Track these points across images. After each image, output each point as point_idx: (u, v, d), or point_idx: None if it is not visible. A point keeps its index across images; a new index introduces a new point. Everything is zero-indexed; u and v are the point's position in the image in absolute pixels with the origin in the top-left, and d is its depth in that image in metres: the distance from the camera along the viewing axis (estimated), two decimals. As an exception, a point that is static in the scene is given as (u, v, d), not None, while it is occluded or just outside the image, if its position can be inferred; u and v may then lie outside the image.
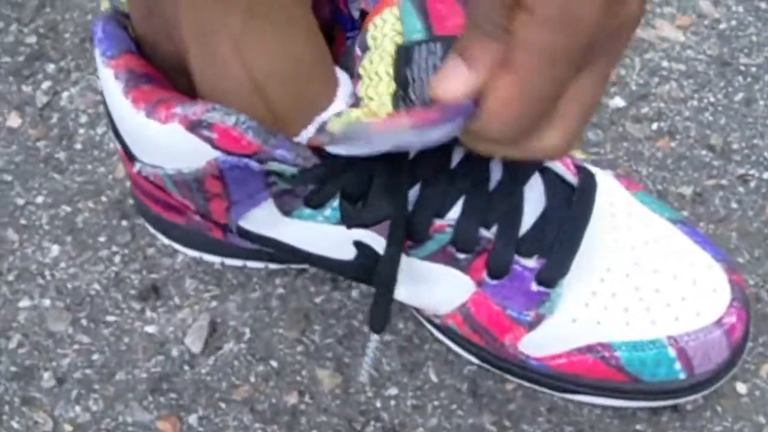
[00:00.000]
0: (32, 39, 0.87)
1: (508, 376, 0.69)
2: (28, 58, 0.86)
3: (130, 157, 0.62)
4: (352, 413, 0.69)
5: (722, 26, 0.88)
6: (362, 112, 0.54)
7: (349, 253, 0.63)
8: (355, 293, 0.73)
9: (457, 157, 0.61)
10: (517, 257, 0.62)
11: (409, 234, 0.60)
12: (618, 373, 0.65)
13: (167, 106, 0.55)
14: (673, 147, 0.80)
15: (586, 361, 0.65)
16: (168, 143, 0.56)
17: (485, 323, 0.64)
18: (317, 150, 0.56)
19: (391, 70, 0.56)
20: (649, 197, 0.69)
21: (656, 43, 0.86)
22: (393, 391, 0.70)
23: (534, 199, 0.63)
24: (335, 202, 0.60)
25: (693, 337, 0.64)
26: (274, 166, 0.55)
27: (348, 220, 0.58)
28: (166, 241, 0.73)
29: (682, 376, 0.65)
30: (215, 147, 0.55)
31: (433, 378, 0.71)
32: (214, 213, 0.62)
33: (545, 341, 0.65)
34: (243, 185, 0.58)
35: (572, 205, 0.63)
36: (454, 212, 0.61)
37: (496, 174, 0.62)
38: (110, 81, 0.58)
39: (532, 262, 0.62)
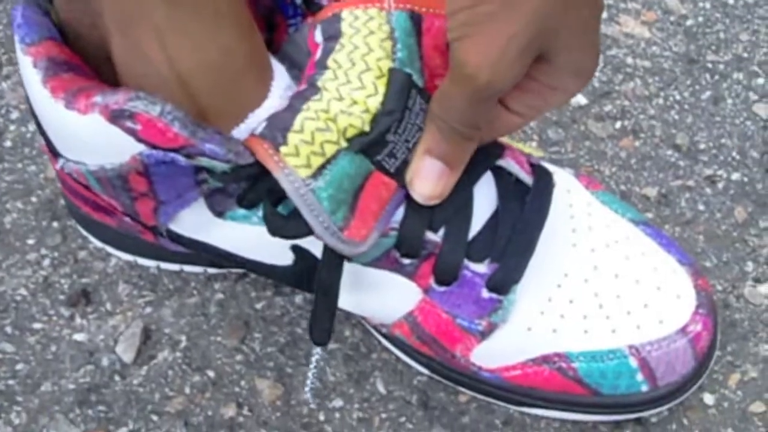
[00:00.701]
0: None
1: (461, 388, 0.65)
2: None
3: (54, 153, 0.58)
4: (294, 427, 0.65)
5: (689, 22, 0.85)
6: (322, 113, 0.51)
7: (287, 259, 0.59)
8: (298, 299, 0.70)
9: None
10: (466, 262, 0.59)
11: None
12: (576, 386, 0.61)
13: (87, 95, 0.51)
14: (638, 146, 0.77)
15: (542, 373, 0.61)
16: (88, 136, 0.52)
17: (434, 333, 0.61)
18: None
19: (378, 85, 0.52)
20: (611, 197, 0.66)
21: (620, 40, 0.84)
22: (338, 402, 0.66)
23: (485, 199, 0.60)
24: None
25: (656, 346, 0.61)
26: (203, 161, 0.51)
27: (272, 229, 0.54)
28: (98, 244, 0.69)
29: (644, 388, 0.62)
30: (139, 140, 0.51)
31: (381, 389, 0.67)
32: (142, 214, 0.58)
33: (498, 352, 0.61)
34: (171, 183, 0.54)
35: (526, 206, 0.60)
36: (398, 214, 0.57)
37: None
38: (29, 69, 0.54)
39: (482, 267, 0.59)
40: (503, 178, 0.60)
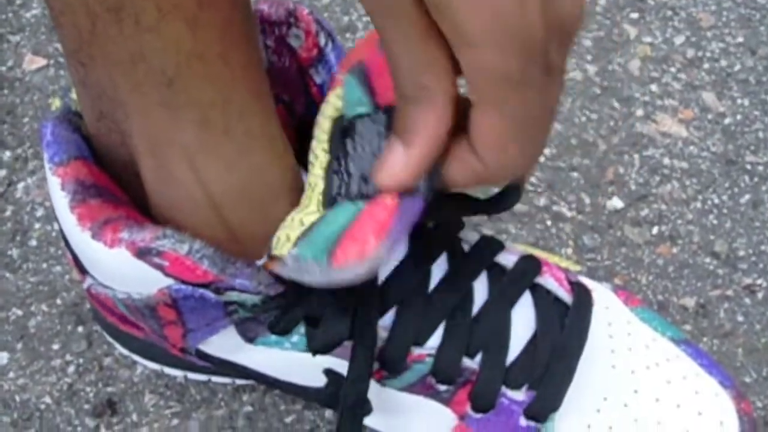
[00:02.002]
0: None
1: None
2: None
3: (81, 270, 0.57)
4: None
5: (727, 121, 0.85)
6: (297, 219, 0.49)
7: (319, 381, 0.58)
8: (328, 413, 0.68)
9: (435, 279, 0.56)
10: (504, 389, 0.58)
11: (384, 364, 0.56)
12: None
13: (114, 229, 0.50)
14: (675, 253, 0.76)
15: None
16: (115, 267, 0.51)
17: None
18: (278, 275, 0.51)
19: (326, 147, 0.50)
20: (651, 313, 0.64)
21: (657, 139, 0.83)
22: None
23: (523, 322, 0.58)
24: (302, 328, 0.55)
25: None
26: (233, 296, 0.50)
27: (315, 349, 0.53)
28: (124, 351, 0.68)
29: None
30: (167, 275, 0.49)
31: None
32: (170, 338, 0.57)
33: None
34: (200, 314, 0.53)
35: (565, 328, 0.59)
36: (434, 340, 0.56)
37: (480, 295, 0.57)
38: (57, 191, 0.53)
39: (520, 395, 0.58)
40: (542, 297, 0.59)
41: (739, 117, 0.84)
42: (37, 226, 0.77)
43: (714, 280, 0.75)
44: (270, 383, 0.60)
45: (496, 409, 0.58)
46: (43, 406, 0.69)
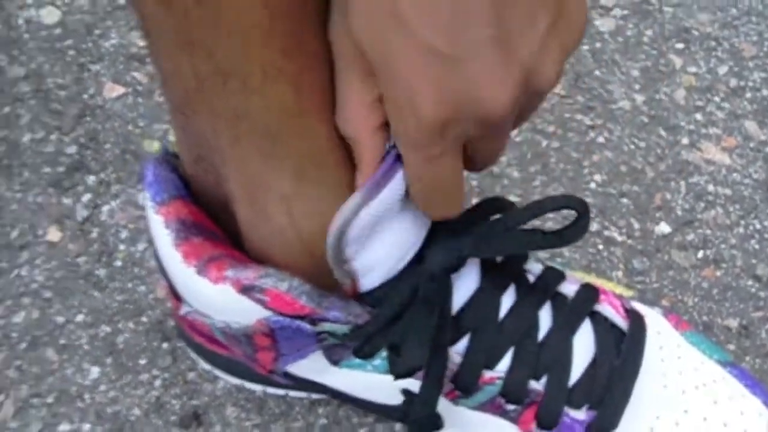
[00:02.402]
0: (72, 149, 0.88)
1: None
2: (68, 169, 0.86)
3: (177, 298, 0.62)
4: None
5: None
6: None
7: (397, 399, 0.63)
8: (398, 426, 0.73)
9: (505, 308, 0.60)
10: (566, 409, 0.62)
11: (457, 385, 0.60)
12: None
13: (218, 267, 0.55)
14: (719, 276, 0.80)
15: None
16: (217, 301, 0.56)
17: None
18: (364, 305, 0.56)
19: None
20: (699, 337, 0.68)
21: (702, 166, 0.87)
22: None
23: (583, 347, 0.63)
24: (384, 353, 0.59)
25: None
26: (326, 326, 0.55)
27: (397, 374, 0.58)
28: (207, 366, 0.72)
29: None
30: (267, 308, 0.54)
31: None
32: (261, 361, 0.62)
33: None
34: (293, 342, 0.58)
35: (622, 353, 0.63)
36: (503, 364, 0.60)
37: (545, 323, 0.62)
38: (160, 229, 0.58)
39: (581, 414, 0.62)
40: (600, 323, 0.64)
41: None
42: (122, 247, 0.82)
43: (756, 302, 0.79)
44: (349, 400, 0.65)
45: (559, 427, 0.62)
46: (133, 418, 0.73)
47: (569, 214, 0.79)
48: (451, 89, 0.43)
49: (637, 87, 0.92)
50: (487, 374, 0.60)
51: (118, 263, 0.81)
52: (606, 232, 0.84)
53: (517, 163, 0.89)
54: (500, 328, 0.60)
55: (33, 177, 0.86)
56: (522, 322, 0.61)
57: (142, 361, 0.76)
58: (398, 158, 0.51)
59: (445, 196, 0.50)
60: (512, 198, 0.84)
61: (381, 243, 0.55)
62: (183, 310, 0.61)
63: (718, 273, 0.81)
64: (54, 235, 0.82)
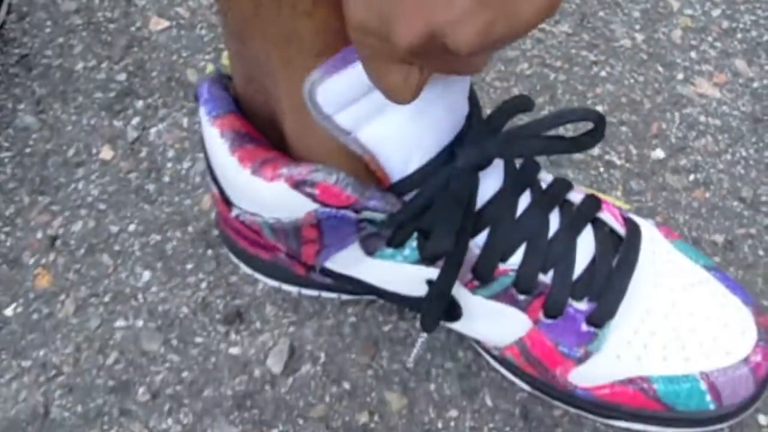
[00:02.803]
0: (122, 77, 0.96)
1: (557, 403, 0.76)
2: (118, 95, 0.94)
3: (227, 203, 0.70)
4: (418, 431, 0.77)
5: (755, 84, 0.95)
6: None
7: (421, 291, 0.71)
8: (418, 324, 0.81)
9: (521, 208, 0.68)
10: (570, 300, 0.70)
11: (476, 275, 0.68)
12: (655, 403, 0.72)
13: (273, 167, 0.63)
14: (708, 197, 0.88)
15: (627, 392, 0.72)
16: (271, 197, 0.64)
17: (539, 356, 0.72)
18: (400, 196, 0.64)
19: None
20: (686, 245, 0.76)
21: (695, 99, 0.94)
22: (453, 413, 0.78)
23: (585, 247, 0.70)
24: (413, 243, 0.68)
25: (722, 373, 0.71)
26: (367, 214, 0.63)
27: (425, 256, 0.66)
28: (248, 270, 0.80)
29: (711, 407, 0.72)
30: (315, 201, 0.63)
31: (489, 403, 0.78)
32: (305, 255, 0.70)
33: (592, 374, 0.72)
34: (337, 232, 0.66)
35: (619, 253, 0.71)
36: (516, 258, 0.68)
37: (553, 224, 0.69)
38: (216, 139, 0.65)
39: (583, 305, 0.70)
40: (600, 228, 0.71)
41: (766, 81, 0.96)
42: (168, 165, 0.90)
43: (740, 221, 0.86)
44: (377, 294, 0.74)
45: (563, 316, 0.70)
46: (181, 315, 0.82)
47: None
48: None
49: (637, 27, 0.99)
50: (502, 266, 0.68)
51: (166, 179, 0.89)
52: (606, 156, 0.91)
53: (529, 94, 0.96)
54: (516, 226, 0.68)
55: (86, 101, 0.94)
56: (534, 221, 0.68)
57: (189, 266, 0.84)
58: None
59: (393, 93, 0.53)
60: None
61: (392, 124, 0.61)
62: (233, 212, 0.69)
63: (707, 194, 0.88)
64: (107, 153, 0.90)
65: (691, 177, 0.90)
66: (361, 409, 0.78)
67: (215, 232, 0.85)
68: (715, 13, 1.00)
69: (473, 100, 0.67)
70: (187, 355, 0.80)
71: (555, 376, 0.73)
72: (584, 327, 0.70)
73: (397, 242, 0.68)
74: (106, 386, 0.79)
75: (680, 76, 0.97)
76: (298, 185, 0.62)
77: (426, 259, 0.66)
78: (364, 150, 0.62)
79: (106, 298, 0.83)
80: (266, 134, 0.67)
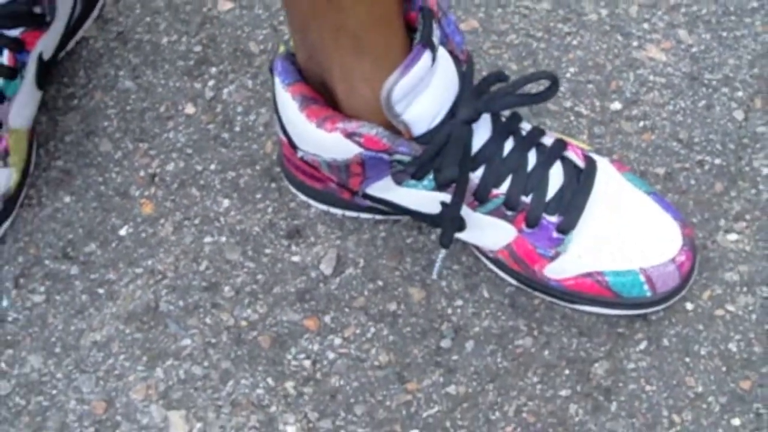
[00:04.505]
0: (198, 48, 1.12)
1: (536, 293, 0.95)
2: (196, 62, 1.10)
3: (293, 147, 0.90)
4: (433, 317, 0.95)
5: (694, 50, 1.10)
6: None
7: (435, 209, 0.92)
8: (433, 236, 0.99)
9: (506, 150, 0.88)
10: (544, 215, 0.89)
11: (476, 197, 0.88)
12: (607, 291, 0.91)
13: (332, 122, 0.82)
14: (653, 139, 1.03)
15: (586, 283, 0.91)
16: (329, 144, 0.83)
17: (523, 257, 0.92)
18: (420, 143, 0.84)
19: None
20: (634, 176, 0.94)
21: (646, 62, 1.09)
22: (459, 303, 0.96)
23: (555, 177, 0.89)
24: (430, 176, 0.88)
25: (656, 269, 0.89)
26: (397, 156, 0.84)
27: (440, 184, 0.85)
28: (303, 198, 1.00)
29: (648, 294, 0.90)
30: (361, 146, 0.83)
31: (486, 295, 0.97)
32: (351, 184, 0.90)
33: (561, 269, 0.91)
34: (375, 168, 0.86)
35: (580, 182, 0.89)
36: (505, 185, 0.88)
37: (531, 161, 0.89)
38: (288, 101, 0.84)
39: (554, 218, 0.89)
40: (567, 164, 0.90)
41: (702, 47, 1.10)
42: (238, 118, 1.07)
43: (677, 157, 1.02)
44: (403, 212, 0.93)
45: (539, 226, 0.90)
46: (254, 232, 1.00)
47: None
48: None
49: (602, 4, 1.14)
50: (495, 191, 0.88)
51: (237, 128, 1.06)
52: (576, 108, 1.06)
53: (516, 59, 1.11)
54: (503, 162, 0.87)
55: (171, 68, 1.11)
56: (517, 159, 0.87)
57: (258, 195, 1.02)
58: (423, 47, 0.77)
59: None
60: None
61: (421, 104, 0.79)
62: (299, 154, 0.89)
63: (653, 137, 1.03)
64: (190, 109, 1.09)
65: (641, 123, 1.05)
66: (390, 300, 0.96)
67: (277, 170, 1.02)
68: (665, -9, 1.15)
69: (468, 72, 0.85)
70: (259, 262, 0.98)
71: (534, 272, 0.93)
72: (555, 234, 0.90)
73: (419, 176, 0.88)
74: (200, 286, 0.97)
75: (635, 43, 1.11)
76: (349, 135, 0.82)
77: (440, 186, 0.86)
78: (404, 125, 0.81)
79: (196, 221, 1.01)
80: (324, 97, 0.84)
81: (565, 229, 0.90)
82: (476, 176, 0.88)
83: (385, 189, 0.91)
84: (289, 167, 0.99)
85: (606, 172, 0.94)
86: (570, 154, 0.91)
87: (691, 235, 0.92)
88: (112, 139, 1.07)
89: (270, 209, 1.02)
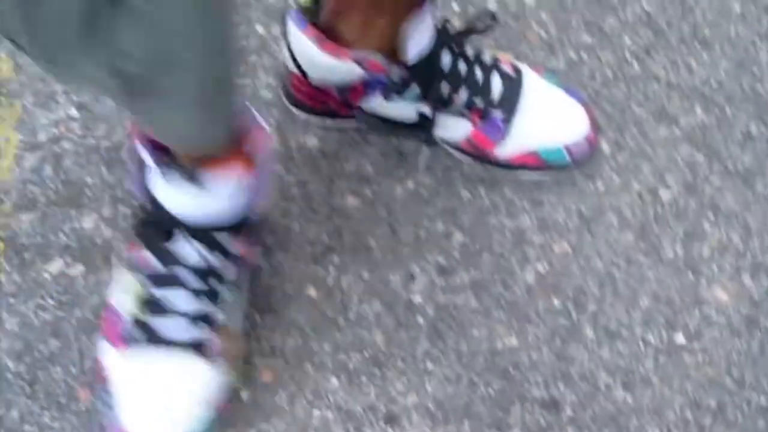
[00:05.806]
0: (324, 237, 1.25)
1: (488, 166, 1.26)
2: (323, 251, 1.25)
3: (303, 75, 1.20)
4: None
5: (755, 295, 1.25)
6: None
7: (414, 119, 1.20)
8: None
9: (463, 70, 1.18)
10: (492, 110, 1.19)
11: (443, 103, 1.21)
12: (541, 162, 1.22)
13: (344, 53, 1.05)
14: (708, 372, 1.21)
15: (527, 158, 1.22)
16: (340, 69, 1.08)
17: (478, 142, 1.21)
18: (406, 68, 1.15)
19: None
20: (548, 74, 1.25)
21: (711, 301, 1.26)
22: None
23: (496, 84, 1.19)
24: (412, 92, 1.19)
25: (574, 144, 1.22)
26: (392, 76, 1.17)
27: (425, 96, 1.17)
28: (303, 115, 1.26)
29: (568, 159, 1.23)
30: (364, 69, 1.10)
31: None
32: (351, 99, 1.21)
33: (508, 149, 1.21)
34: (373, 87, 1.14)
35: (513, 83, 1.20)
36: (463, 92, 1.16)
37: (479, 74, 1.19)
38: (304, 40, 1.07)
39: (499, 113, 1.19)
40: (503, 73, 1.19)
41: (762, 293, 1.25)
42: (353, 307, 1.21)
43: (729, 393, 1.19)
44: (389, 121, 1.21)
45: (490, 120, 1.19)
46: (357, 413, 1.14)
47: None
48: None
49: (679, 243, 1.31)
50: (455, 97, 1.16)
51: (352, 317, 1.21)
52: (645, 336, 1.23)
53: (597, 285, 1.27)
54: (460, 77, 1.14)
55: (300, 252, 1.26)
56: (471, 74, 1.16)
57: (363, 379, 1.16)
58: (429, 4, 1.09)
59: None
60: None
61: (419, 46, 1.08)
62: (313, 82, 1.20)
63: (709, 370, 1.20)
64: (312, 292, 1.23)
65: (700, 357, 1.22)
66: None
67: (382, 357, 1.17)
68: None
69: (445, 23, 1.15)
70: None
71: (487, 152, 1.26)
72: (500, 124, 1.20)
73: (400, 93, 1.16)
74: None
75: (704, 281, 1.27)
76: (357, 61, 1.08)
77: (423, 98, 1.20)
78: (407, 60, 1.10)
79: (309, 395, 1.16)
80: (328, 36, 1.07)
81: (507, 120, 1.20)
82: (444, 87, 1.16)
83: (376, 103, 1.18)
84: (293, 89, 1.24)
85: (529, 75, 1.24)
86: (503, 66, 1.21)
87: (592, 113, 1.26)
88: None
89: (372, 393, 1.13)
